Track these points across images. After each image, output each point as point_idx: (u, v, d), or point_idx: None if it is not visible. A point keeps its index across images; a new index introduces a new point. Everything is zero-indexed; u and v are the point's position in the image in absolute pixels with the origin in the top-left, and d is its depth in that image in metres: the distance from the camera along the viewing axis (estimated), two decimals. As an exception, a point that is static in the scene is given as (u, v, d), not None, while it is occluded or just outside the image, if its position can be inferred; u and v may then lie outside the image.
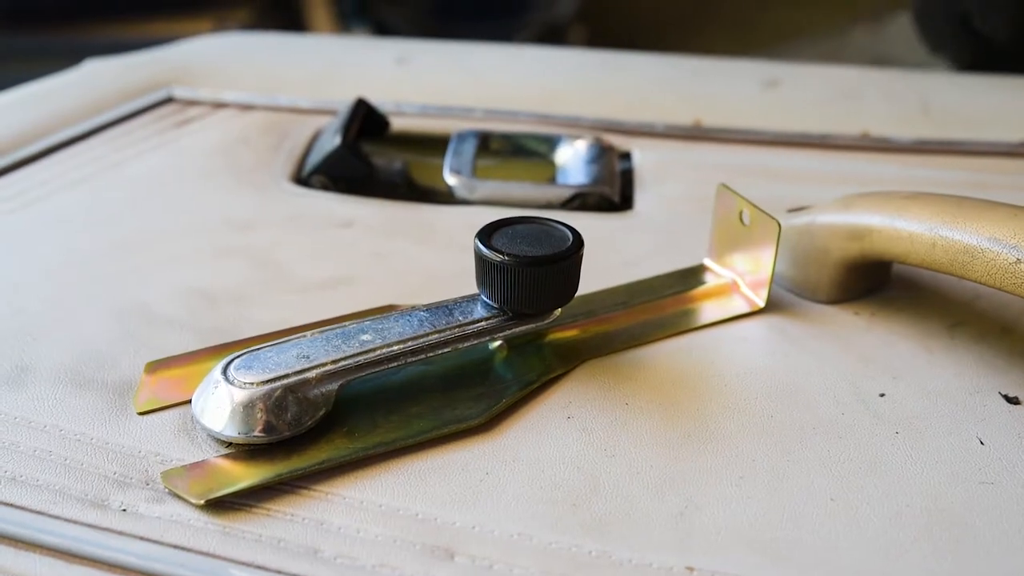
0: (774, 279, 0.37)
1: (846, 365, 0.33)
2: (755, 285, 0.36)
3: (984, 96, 0.55)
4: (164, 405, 0.31)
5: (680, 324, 0.35)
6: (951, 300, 0.36)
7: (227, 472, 0.28)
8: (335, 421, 0.30)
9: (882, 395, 0.31)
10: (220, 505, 0.27)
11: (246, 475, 0.28)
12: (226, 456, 0.28)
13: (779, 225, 0.35)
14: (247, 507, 0.27)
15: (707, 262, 0.39)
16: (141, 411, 0.30)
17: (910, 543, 0.25)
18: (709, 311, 0.36)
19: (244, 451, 0.29)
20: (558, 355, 0.33)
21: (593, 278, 0.37)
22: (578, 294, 0.33)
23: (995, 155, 0.47)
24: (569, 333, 0.35)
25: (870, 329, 0.35)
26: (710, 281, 0.38)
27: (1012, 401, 0.31)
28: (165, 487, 0.27)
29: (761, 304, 0.36)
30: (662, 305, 0.36)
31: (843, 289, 0.36)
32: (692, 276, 0.38)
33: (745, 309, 0.36)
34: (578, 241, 0.31)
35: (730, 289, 0.37)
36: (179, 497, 0.27)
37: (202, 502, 0.27)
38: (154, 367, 0.32)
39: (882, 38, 0.89)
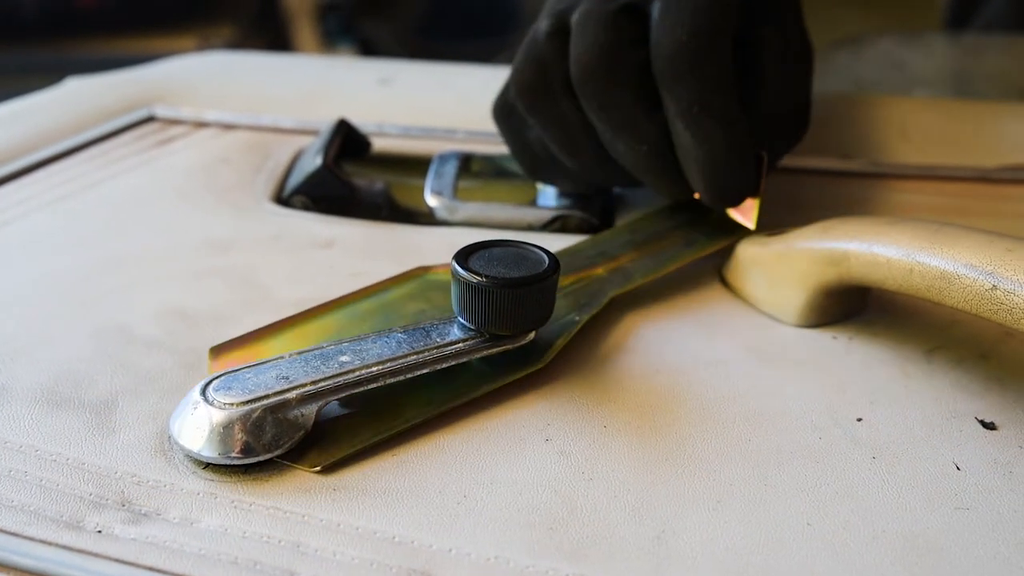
0: (754, 303, 0.38)
1: (823, 389, 0.33)
2: (744, 211, 0.39)
3: (962, 121, 0.55)
4: None
5: (687, 254, 0.39)
6: (929, 325, 0.37)
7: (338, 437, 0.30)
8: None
9: (859, 420, 0.31)
10: (195, 526, 0.27)
11: (352, 440, 0.30)
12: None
13: (764, 157, 0.38)
14: (223, 529, 0.27)
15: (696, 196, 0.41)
16: None
17: (886, 568, 0.26)
18: (708, 238, 0.40)
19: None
20: (586, 295, 0.36)
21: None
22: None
23: (973, 181, 0.48)
24: (594, 272, 0.37)
25: (848, 353, 0.35)
26: (701, 210, 0.41)
27: (988, 427, 0.31)
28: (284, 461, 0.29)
29: (751, 227, 0.39)
30: (666, 237, 0.40)
31: (821, 313, 0.36)
32: (684, 209, 0.41)
33: (737, 232, 0.39)
34: (553, 264, 0.32)
35: (721, 217, 0.40)
36: (297, 466, 0.29)
37: (318, 468, 0.29)
38: (218, 351, 0.33)
39: (863, 62, 0.90)
